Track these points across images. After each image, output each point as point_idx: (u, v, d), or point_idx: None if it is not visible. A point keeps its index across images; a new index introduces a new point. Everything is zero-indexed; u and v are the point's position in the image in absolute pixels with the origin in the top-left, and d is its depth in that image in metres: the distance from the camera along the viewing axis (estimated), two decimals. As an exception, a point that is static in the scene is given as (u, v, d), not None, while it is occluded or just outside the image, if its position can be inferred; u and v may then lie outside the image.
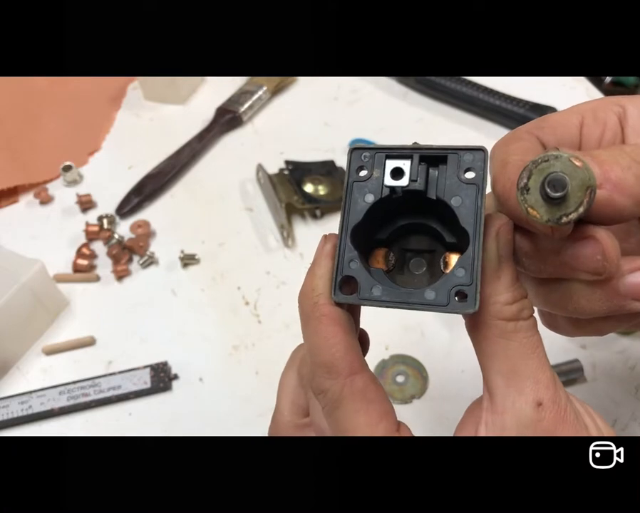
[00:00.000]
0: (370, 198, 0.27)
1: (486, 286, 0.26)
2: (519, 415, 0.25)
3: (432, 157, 0.27)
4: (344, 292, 0.26)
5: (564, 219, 0.23)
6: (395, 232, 0.29)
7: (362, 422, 0.25)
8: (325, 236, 0.28)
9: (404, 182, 0.27)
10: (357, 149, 0.28)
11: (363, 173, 0.27)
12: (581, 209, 0.23)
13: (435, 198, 0.27)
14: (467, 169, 0.27)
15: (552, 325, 0.32)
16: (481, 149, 0.26)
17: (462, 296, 0.25)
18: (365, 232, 0.28)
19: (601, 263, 0.25)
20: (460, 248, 0.27)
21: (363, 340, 0.32)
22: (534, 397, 0.25)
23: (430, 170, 0.27)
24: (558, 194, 0.22)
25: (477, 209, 0.26)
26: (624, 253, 0.26)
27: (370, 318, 0.52)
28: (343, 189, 0.27)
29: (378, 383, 0.26)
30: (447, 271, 0.27)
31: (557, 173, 0.22)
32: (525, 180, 0.23)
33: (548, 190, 0.22)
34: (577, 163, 0.23)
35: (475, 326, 0.26)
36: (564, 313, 0.30)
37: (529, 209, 0.23)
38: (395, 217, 0.29)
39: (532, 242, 0.27)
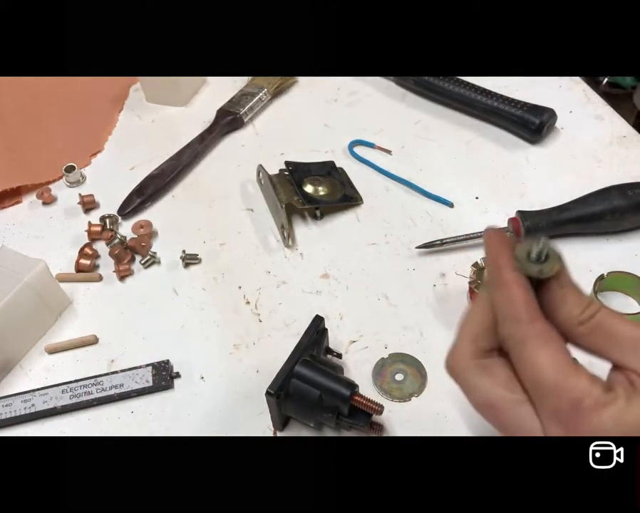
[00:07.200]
0: None
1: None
2: None
3: None
4: None
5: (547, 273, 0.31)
6: None
7: (543, 355, 0.30)
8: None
9: None
10: None
11: None
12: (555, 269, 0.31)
13: None
14: None
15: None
16: None
17: None
18: None
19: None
20: None
21: None
22: None
23: None
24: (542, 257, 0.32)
25: None
26: None
27: (371, 317, 0.53)
28: None
29: (553, 328, 0.31)
30: None
31: (542, 246, 0.32)
32: (523, 253, 0.32)
33: (534, 256, 0.32)
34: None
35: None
36: None
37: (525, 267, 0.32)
38: None
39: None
